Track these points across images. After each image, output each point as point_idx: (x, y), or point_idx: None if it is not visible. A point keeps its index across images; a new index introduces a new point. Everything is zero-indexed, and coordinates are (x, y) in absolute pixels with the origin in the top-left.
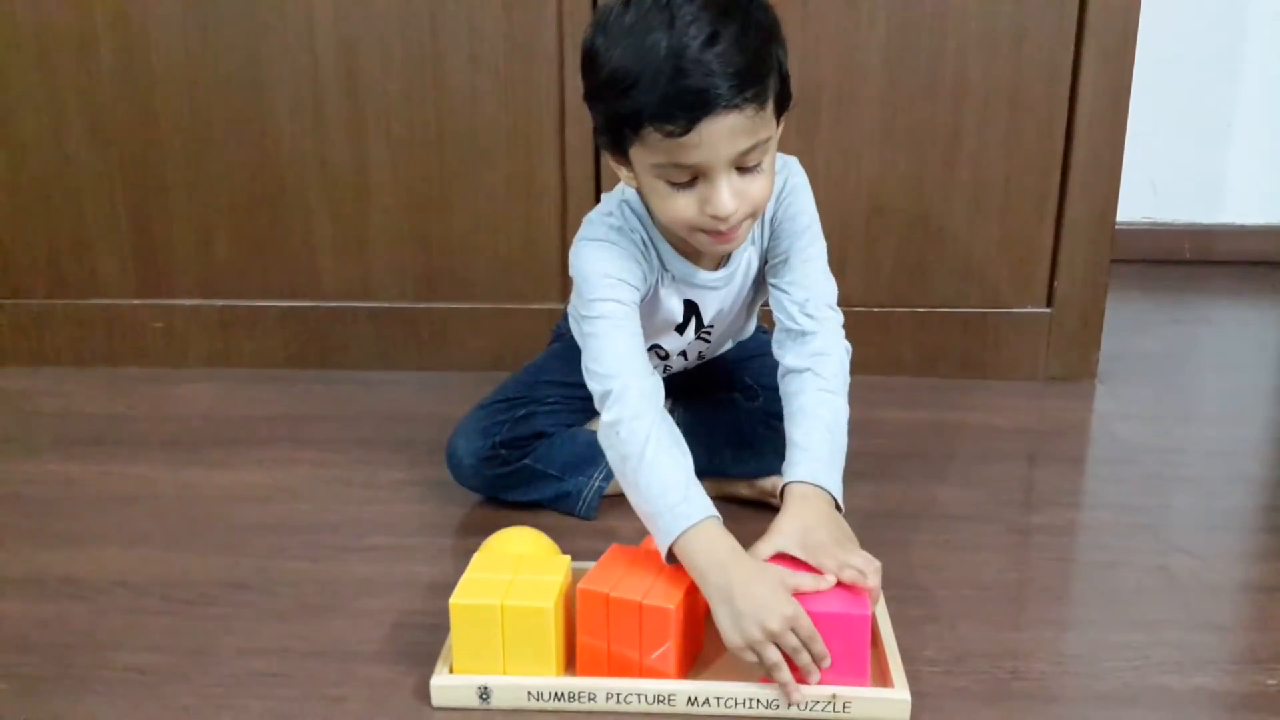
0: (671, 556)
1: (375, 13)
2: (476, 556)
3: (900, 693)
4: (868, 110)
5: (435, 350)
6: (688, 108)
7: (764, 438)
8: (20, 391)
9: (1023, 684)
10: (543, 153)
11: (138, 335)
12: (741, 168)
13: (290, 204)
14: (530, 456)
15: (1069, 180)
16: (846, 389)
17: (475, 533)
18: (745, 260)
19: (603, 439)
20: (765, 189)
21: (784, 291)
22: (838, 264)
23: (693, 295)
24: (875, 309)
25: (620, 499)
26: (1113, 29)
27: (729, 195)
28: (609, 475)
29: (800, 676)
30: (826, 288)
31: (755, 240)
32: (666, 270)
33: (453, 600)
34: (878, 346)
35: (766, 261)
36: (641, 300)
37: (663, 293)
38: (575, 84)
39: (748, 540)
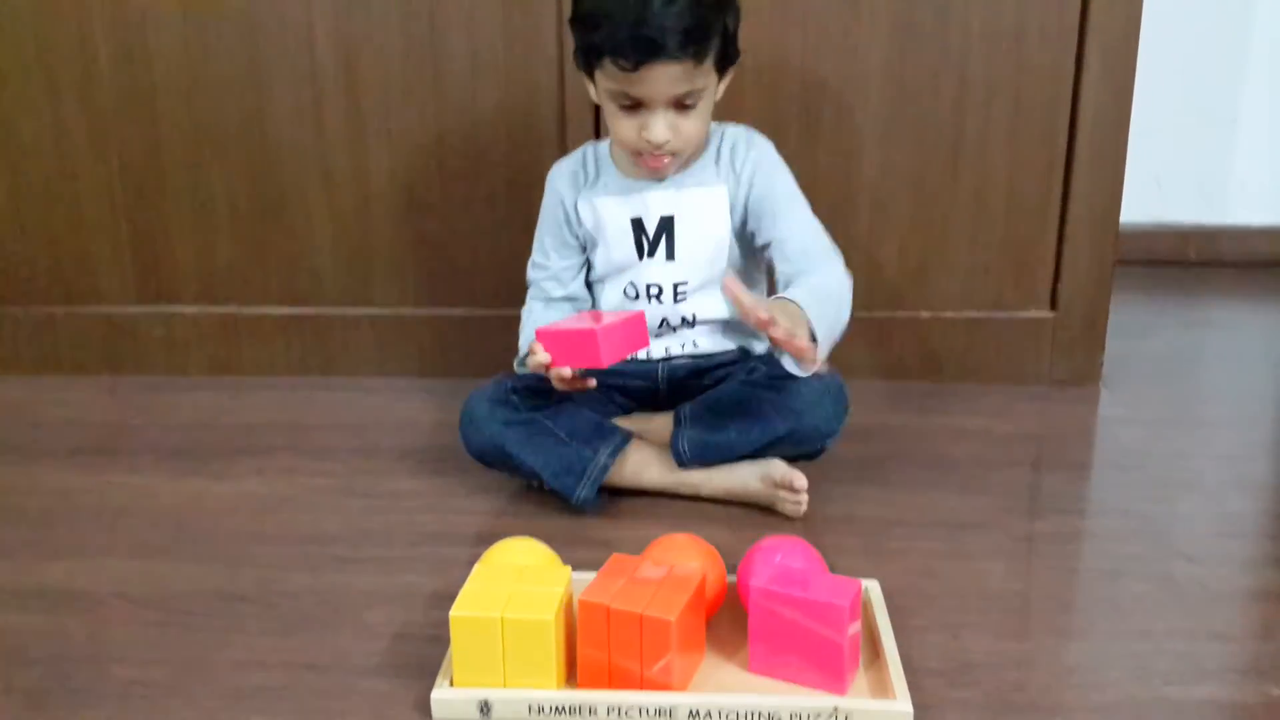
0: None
1: (374, 16)
2: (477, 568)
3: (902, 704)
4: (868, 111)
5: (437, 357)
6: (639, 52)
7: (765, 399)
8: (21, 400)
9: (1026, 695)
10: (543, 156)
11: (138, 343)
12: (679, 106)
13: (291, 210)
14: (540, 414)
15: (1072, 181)
16: (847, 288)
17: (476, 543)
18: (705, 193)
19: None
20: (697, 128)
21: (777, 249)
22: None
23: (636, 209)
24: (877, 313)
25: (622, 504)
26: (1115, 27)
27: (663, 127)
28: (615, 451)
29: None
30: (817, 233)
31: (722, 176)
32: (600, 177)
33: (453, 613)
34: (879, 351)
35: (746, 219)
36: (578, 207)
37: (604, 203)
38: (576, 85)
39: (744, 546)
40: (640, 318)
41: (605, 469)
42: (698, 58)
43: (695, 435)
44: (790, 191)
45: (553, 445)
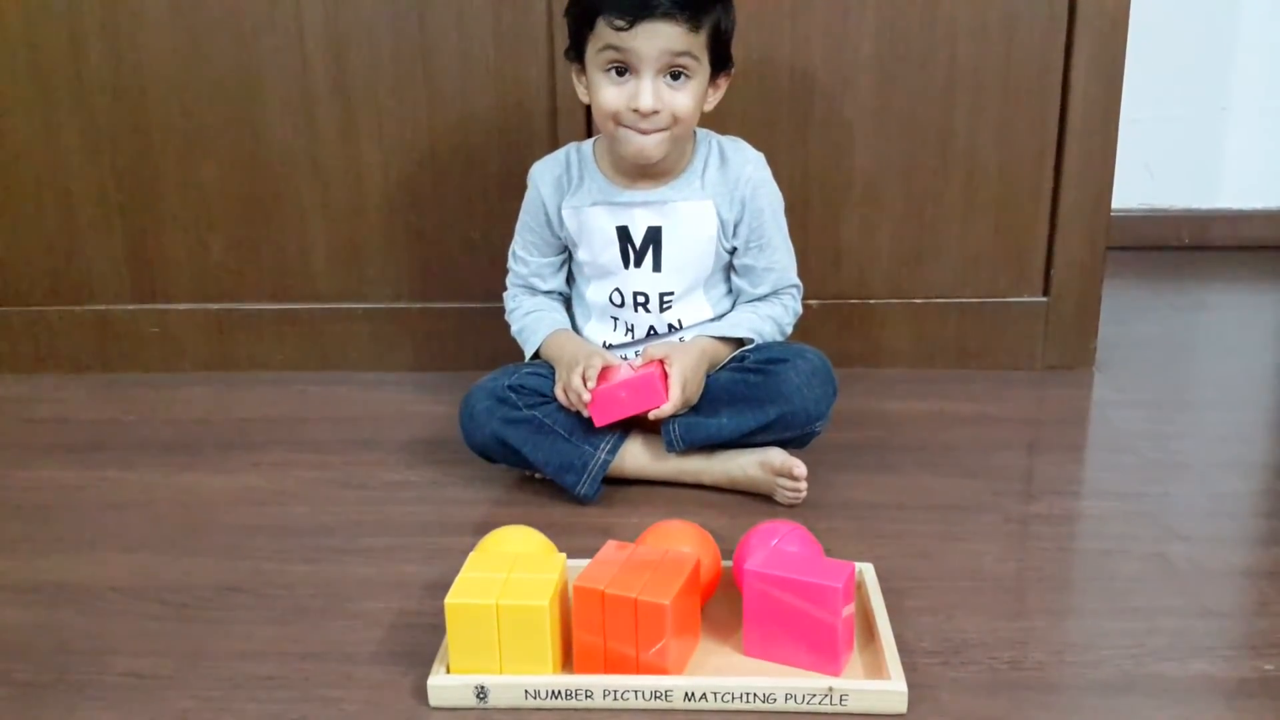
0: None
1: (364, 13)
2: (472, 556)
3: (897, 684)
4: (859, 101)
5: (431, 350)
6: (633, 7)
7: (754, 384)
8: (17, 398)
9: (1020, 674)
10: (534, 150)
11: (133, 340)
12: (670, 77)
13: (283, 206)
14: (539, 411)
15: (1064, 167)
16: (778, 319)
17: (472, 533)
18: (692, 206)
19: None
20: (687, 103)
21: (745, 272)
22: (832, 256)
23: (622, 219)
24: (871, 300)
25: (618, 491)
26: (1104, 13)
27: (651, 93)
28: (615, 447)
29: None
30: (784, 272)
31: (710, 190)
32: (583, 184)
33: (448, 600)
34: (874, 338)
35: (731, 232)
36: (561, 212)
37: (589, 212)
38: (566, 81)
39: (740, 532)
40: (652, 378)
41: (605, 465)
42: (692, 22)
43: (687, 421)
44: (776, 220)
45: (553, 442)
